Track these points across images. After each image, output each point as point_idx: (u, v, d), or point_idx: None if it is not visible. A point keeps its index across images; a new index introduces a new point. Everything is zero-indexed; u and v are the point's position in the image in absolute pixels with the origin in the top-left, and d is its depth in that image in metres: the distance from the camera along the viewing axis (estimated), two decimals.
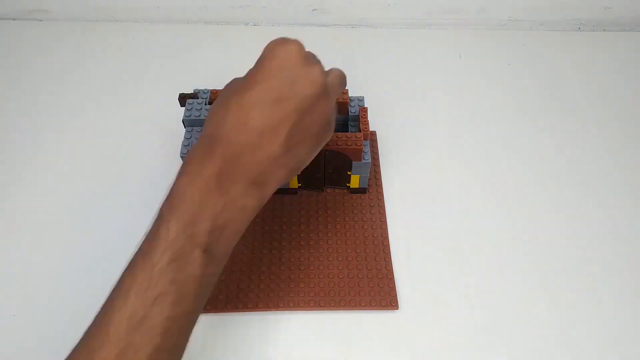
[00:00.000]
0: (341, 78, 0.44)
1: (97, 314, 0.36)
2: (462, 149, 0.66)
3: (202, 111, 0.56)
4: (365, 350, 0.49)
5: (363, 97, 0.59)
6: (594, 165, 0.65)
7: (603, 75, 0.77)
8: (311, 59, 0.41)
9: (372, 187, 0.61)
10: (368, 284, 0.53)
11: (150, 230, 0.37)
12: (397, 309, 0.52)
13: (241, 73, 0.72)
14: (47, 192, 0.60)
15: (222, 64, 0.76)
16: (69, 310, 0.51)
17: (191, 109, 0.56)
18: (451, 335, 0.51)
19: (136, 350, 0.33)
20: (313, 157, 0.43)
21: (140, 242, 0.37)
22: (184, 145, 0.54)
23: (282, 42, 0.40)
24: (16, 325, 0.51)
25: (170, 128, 0.65)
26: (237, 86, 0.40)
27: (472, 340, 0.50)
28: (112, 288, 0.36)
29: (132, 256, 0.37)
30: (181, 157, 0.54)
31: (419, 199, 0.61)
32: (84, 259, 0.55)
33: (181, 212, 0.36)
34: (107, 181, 0.62)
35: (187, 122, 0.56)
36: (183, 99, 0.57)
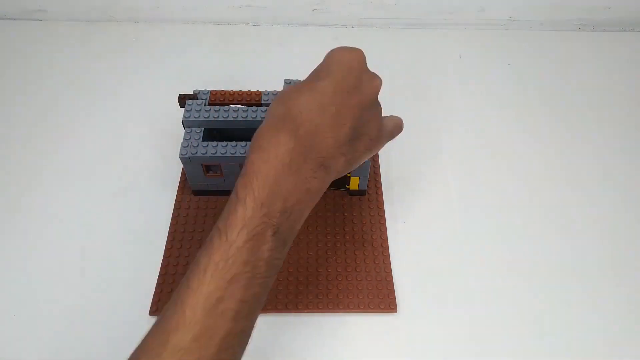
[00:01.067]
0: (398, 121, 0.51)
1: (173, 293, 0.35)
2: (462, 150, 0.66)
3: (202, 112, 0.56)
4: (364, 353, 0.49)
5: None
6: (594, 165, 0.65)
7: (603, 75, 0.77)
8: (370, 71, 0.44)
9: (372, 189, 0.61)
10: (367, 286, 0.53)
11: (226, 209, 0.37)
12: (396, 311, 0.52)
13: (241, 73, 0.73)
14: (46, 193, 0.61)
15: (222, 64, 0.76)
16: (69, 310, 0.52)
17: (190, 109, 0.56)
18: (450, 338, 0.50)
19: (211, 335, 0.33)
20: (364, 160, 0.45)
21: (217, 221, 0.37)
22: (183, 147, 0.54)
23: (347, 48, 0.43)
24: (16, 325, 0.51)
25: (169, 129, 0.65)
26: (305, 80, 0.42)
27: (471, 343, 0.50)
28: (189, 268, 0.36)
29: (209, 235, 0.36)
30: (180, 158, 0.54)
31: (418, 200, 0.61)
32: (83, 259, 0.55)
33: (257, 190, 0.36)
34: (105, 182, 0.62)
35: (187, 123, 0.56)
36: (182, 99, 0.57)
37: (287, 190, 0.37)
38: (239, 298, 0.34)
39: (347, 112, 0.40)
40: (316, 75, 0.42)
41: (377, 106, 0.45)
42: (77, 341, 0.50)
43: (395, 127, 0.50)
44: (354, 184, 0.58)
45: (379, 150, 0.47)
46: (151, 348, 0.33)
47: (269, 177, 0.37)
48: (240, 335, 0.35)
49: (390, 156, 0.64)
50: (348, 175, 0.57)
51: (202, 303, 0.33)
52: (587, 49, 0.80)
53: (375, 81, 0.44)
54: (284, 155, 0.37)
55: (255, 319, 0.37)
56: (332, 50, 0.43)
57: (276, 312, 0.51)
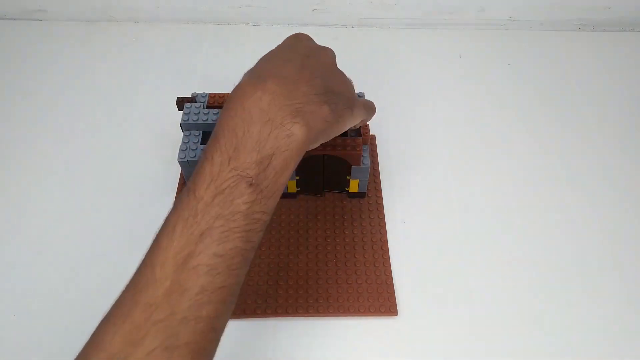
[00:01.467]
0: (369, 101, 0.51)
1: (144, 254, 0.35)
2: (462, 150, 0.66)
3: (200, 115, 0.55)
4: (364, 357, 0.50)
5: (363, 93, 0.59)
6: (594, 165, 0.65)
7: (603, 75, 0.77)
8: None
9: (371, 192, 0.61)
10: (367, 289, 0.53)
11: (194, 170, 0.36)
12: (397, 315, 0.52)
13: (241, 74, 0.73)
14: (46, 194, 0.61)
15: (222, 64, 0.76)
16: (69, 310, 0.52)
17: (189, 112, 0.56)
18: (451, 342, 0.51)
19: (182, 290, 0.32)
20: (347, 121, 0.44)
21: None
22: (181, 150, 0.54)
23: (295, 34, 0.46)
24: (16, 325, 0.51)
25: (169, 130, 0.65)
26: (265, 55, 0.44)
27: (472, 346, 0.50)
28: (159, 229, 0.35)
29: (178, 196, 0.36)
30: (179, 162, 0.54)
31: (418, 203, 0.61)
32: (83, 259, 0.56)
33: (224, 145, 0.35)
34: (104, 185, 0.62)
35: (185, 127, 0.55)
36: (181, 102, 0.57)
37: (261, 140, 0.36)
38: (213, 252, 0.33)
39: (313, 68, 0.41)
40: (274, 50, 0.44)
41: (341, 73, 0.45)
42: (77, 345, 0.50)
43: (367, 103, 0.50)
44: (354, 186, 0.58)
45: (357, 119, 0.46)
46: (123, 305, 0.33)
47: (237, 130, 0.36)
48: (221, 291, 0.34)
49: (389, 158, 0.65)
50: (347, 177, 0.57)
51: (171, 259, 0.33)
52: (587, 49, 0.80)
53: (327, 49, 0.45)
54: (252, 106, 0.36)
55: (242, 274, 0.36)
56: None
57: (276, 317, 0.51)
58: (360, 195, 0.60)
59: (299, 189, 0.59)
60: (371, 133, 0.66)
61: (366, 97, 0.58)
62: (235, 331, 0.51)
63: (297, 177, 0.57)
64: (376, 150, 0.65)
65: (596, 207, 0.61)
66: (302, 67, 0.40)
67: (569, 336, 0.51)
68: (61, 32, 0.81)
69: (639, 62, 0.79)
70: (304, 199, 0.60)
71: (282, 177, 0.37)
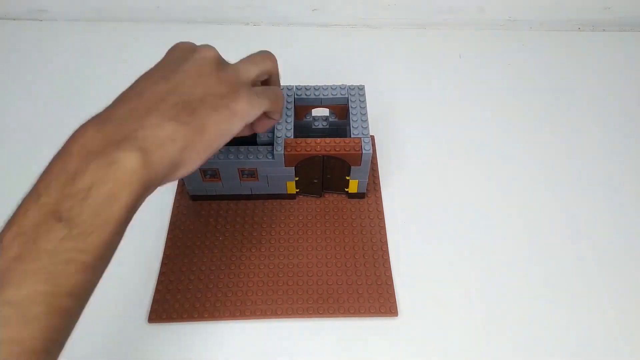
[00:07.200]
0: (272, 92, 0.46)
1: None
2: (462, 151, 0.66)
3: None
4: (364, 358, 0.50)
5: (363, 85, 0.58)
6: (594, 164, 0.65)
7: (603, 75, 0.77)
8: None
9: (371, 192, 0.61)
10: (367, 290, 0.53)
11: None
12: (397, 315, 0.52)
13: None
14: None
15: None
16: None
17: None
18: (451, 342, 0.51)
19: None
20: (229, 124, 0.39)
21: None
22: None
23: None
24: None
25: None
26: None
27: (472, 347, 0.51)
28: None
29: None
30: None
31: (418, 203, 0.61)
32: None
33: (38, 187, 0.33)
34: None
35: None
36: None
37: (78, 173, 0.32)
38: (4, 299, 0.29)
39: (167, 85, 0.38)
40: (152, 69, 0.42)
41: (212, 74, 0.40)
42: (74, 348, 0.50)
43: (266, 92, 0.45)
44: (353, 187, 0.58)
45: (243, 114, 0.40)
46: None
47: (54, 170, 0.33)
48: (13, 346, 0.29)
49: (389, 158, 0.65)
50: (347, 178, 0.57)
51: None
52: (587, 49, 0.80)
53: (201, 51, 0.41)
54: (73, 143, 0.35)
55: (47, 327, 0.30)
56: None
57: (276, 317, 0.51)
58: (359, 195, 0.60)
59: (298, 190, 0.59)
60: (370, 133, 0.66)
61: (367, 97, 0.57)
62: (236, 332, 0.51)
63: (297, 178, 0.57)
64: (375, 151, 0.65)
65: (596, 207, 0.61)
66: (145, 89, 0.38)
67: (569, 336, 0.51)
68: (61, 32, 0.81)
69: (638, 62, 0.79)
70: (303, 200, 0.60)
71: (109, 209, 0.33)
